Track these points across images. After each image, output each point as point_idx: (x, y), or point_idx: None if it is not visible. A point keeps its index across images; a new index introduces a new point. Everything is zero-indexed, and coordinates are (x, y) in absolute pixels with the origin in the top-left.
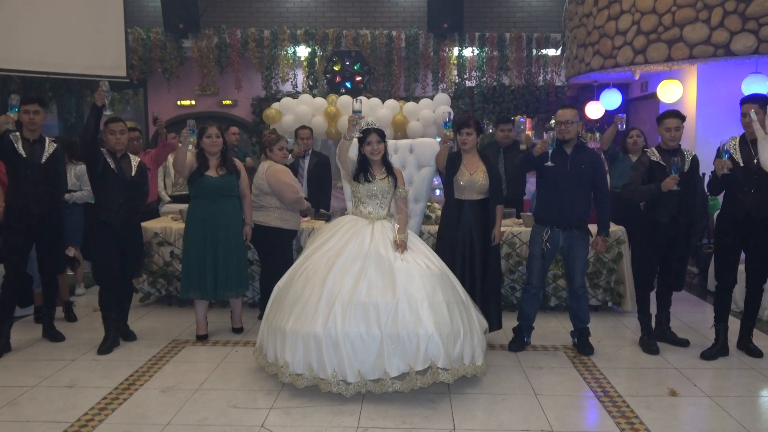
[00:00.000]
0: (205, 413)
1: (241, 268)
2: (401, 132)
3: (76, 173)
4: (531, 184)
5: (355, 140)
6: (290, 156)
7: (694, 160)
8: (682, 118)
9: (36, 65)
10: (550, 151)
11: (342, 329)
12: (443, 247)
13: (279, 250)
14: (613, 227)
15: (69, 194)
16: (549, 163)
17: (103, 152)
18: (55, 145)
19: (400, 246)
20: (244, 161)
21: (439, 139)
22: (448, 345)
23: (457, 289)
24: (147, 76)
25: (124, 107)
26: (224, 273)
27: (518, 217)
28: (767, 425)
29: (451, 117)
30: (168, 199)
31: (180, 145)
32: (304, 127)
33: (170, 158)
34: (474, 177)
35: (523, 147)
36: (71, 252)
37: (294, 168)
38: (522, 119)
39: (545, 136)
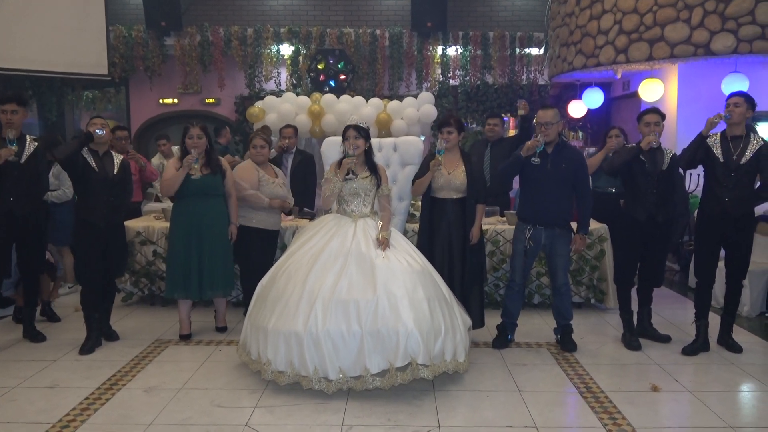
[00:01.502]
0: (189, 413)
1: (227, 267)
2: (385, 130)
3: (54, 172)
4: (515, 182)
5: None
6: (273, 150)
7: (674, 159)
8: (662, 115)
9: (16, 63)
10: (539, 150)
11: (323, 327)
12: (423, 245)
13: (243, 247)
14: (596, 225)
15: (48, 193)
16: (535, 159)
17: (83, 151)
18: (36, 143)
19: (383, 243)
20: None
21: (423, 138)
22: (428, 342)
23: (440, 286)
24: (129, 75)
25: (105, 106)
26: (210, 273)
27: (502, 215)
28: (747, 419)
29: (445, 144)
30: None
31: (175, 166)
32: (288, 125)
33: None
34: (451, 176)
35: (521, 112)
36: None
37: (278, 165)
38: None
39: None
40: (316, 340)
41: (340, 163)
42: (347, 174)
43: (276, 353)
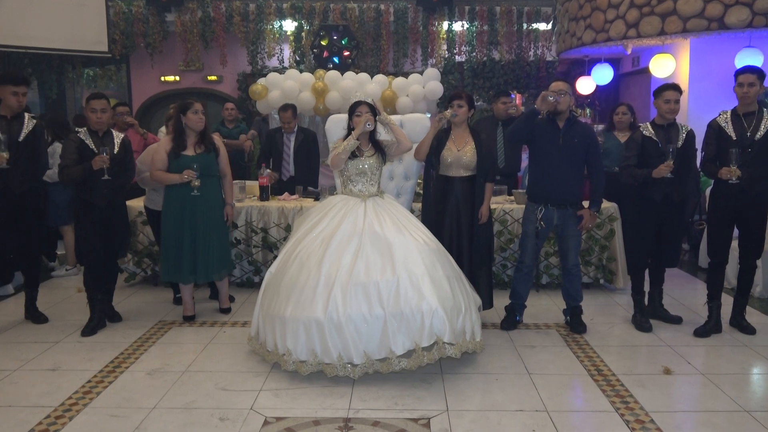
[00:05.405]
0: (193, 396)
1: (223, 249)
2: (391, 108)
3: (49, 151)
4: (524, 160)
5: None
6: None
7: (690, 135)
8: (681, 91)
9: (15, 40)
10: (556, 98)
11: (344, 311)
12: (429, 224)
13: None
14: (606, 204)
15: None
16: (553, 98)
17: (81, 132)
18: (34, 121)
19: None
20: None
21: (429, 115)
22: (452, 319)
23: (453, 265)
24: (129, 52)
25: (106, 83)
26: (204, 255)
27: (510, 194)
28: (761, 402)
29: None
30: None
31: (166, 149)
32: (285, 108)
33: None
34: (461, 153)
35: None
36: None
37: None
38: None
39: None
40: (338, 325)
41: (346, 138)
42: (360, 135)
43: (296, 342)
